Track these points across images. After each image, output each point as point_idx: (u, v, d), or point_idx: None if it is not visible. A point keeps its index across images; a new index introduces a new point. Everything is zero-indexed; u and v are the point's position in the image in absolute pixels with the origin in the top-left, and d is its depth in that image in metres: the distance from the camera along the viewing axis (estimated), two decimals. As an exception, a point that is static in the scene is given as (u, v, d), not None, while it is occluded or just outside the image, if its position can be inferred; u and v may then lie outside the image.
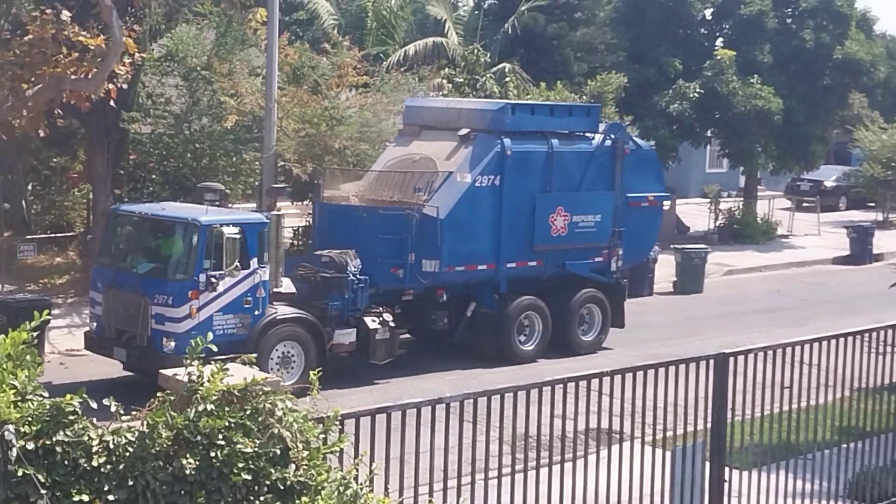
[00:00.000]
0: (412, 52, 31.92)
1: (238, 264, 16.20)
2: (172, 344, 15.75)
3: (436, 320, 19.13)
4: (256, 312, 16.47)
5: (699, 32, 38.06)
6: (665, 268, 27.44)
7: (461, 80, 29.65)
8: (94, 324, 17.13)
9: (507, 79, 30.74)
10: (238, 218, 16.99)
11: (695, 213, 38.46)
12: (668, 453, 9.58)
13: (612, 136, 20.76)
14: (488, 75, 30.48)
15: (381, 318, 17.87)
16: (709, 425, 10.00)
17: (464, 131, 19.41)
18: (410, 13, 36.21)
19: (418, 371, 18.30)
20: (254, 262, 16.47)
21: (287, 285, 17.60)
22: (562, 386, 8.87)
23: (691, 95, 34.86)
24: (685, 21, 37.11)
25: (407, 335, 19.05)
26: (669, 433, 10.06)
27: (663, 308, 25.45)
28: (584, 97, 31.23)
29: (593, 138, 20.71)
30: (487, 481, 8.41)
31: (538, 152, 19.71)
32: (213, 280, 15.99)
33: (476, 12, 36.34)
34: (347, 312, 17.76)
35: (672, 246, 28.67)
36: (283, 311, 17.00)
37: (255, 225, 16.76)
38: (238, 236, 16.20)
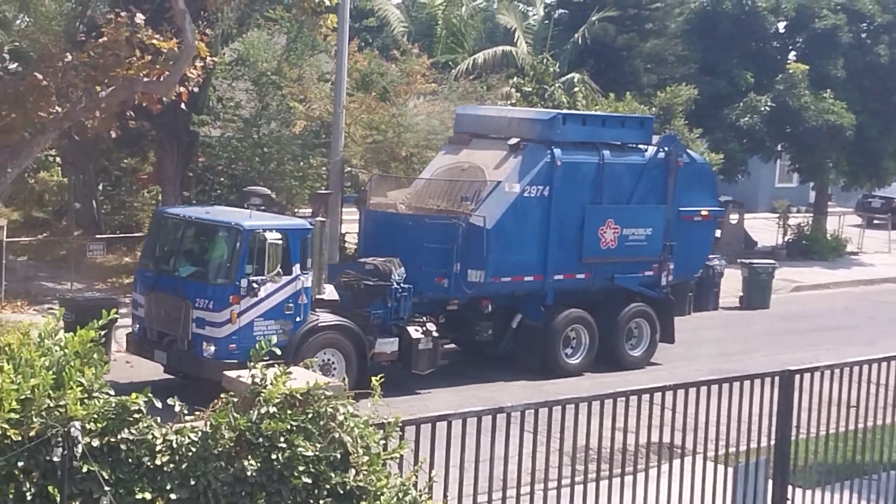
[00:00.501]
0: (481, 61, 31.93)
1: (280, 270, 16.00)
2: (212, 348, 15.69)
3: (480, 331, 18.88)
4: (298, 319, 16.28)
5: (772, 46, 37.59)
6: (731, 282, 27.12)
7: (529, 89, 29.58)
8: (136, 325, 17.00)
9: (576, 89, 30.62)
10: (281, 223, 16.76)
11: (763, 228, 37.98)
12: (731, 470, 9.45)
13: (666, 149, 20.44)
14: (557, 85, 30.39)
15: (424, 328, 17.66)
16: (772, 442, 9.85)
17: (513, 140, 19.20)
18: (480, 22, 36.25)
19: (461, 382, 18.07)
20: (296, 269, 16.28)
21: (330, 292, 17.38)
22: (624, 399, 8.79)
23: (762, 109, 34.44)
24: (758, 34, 36.68)
25: (452, 345, 18.79)
26: (732, 449, 9.93)
27: (728, 323, 25.14)
28: (654, 109, 31.01)
29: (646, 150, 20.29)
30: (547, 492, 8.35)
31: (589, 163, 19.43)
32: (255, 285, 15.80)
33: (546, 22, 36.27)
34: (390, 321, 17.56)
35: (739, 260, 28.33)
36: (324, 318, 16.79)
37: (298, 231, 16.56)
38: (280, 242, 15.99)
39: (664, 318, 20.52)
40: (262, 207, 18.39)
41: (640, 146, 20.37)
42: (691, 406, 9.16)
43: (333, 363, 16.71)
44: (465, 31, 34.89)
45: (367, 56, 28.17)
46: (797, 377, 9.74)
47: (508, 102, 27.88)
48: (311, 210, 19.86)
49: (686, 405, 9.11)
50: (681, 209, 20.52)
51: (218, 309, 15.80)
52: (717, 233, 33.62)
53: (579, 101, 29.84)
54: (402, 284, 17.58)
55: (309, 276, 16.51)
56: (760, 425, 9.73)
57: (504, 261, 18.50)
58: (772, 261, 29.15)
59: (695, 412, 9.22)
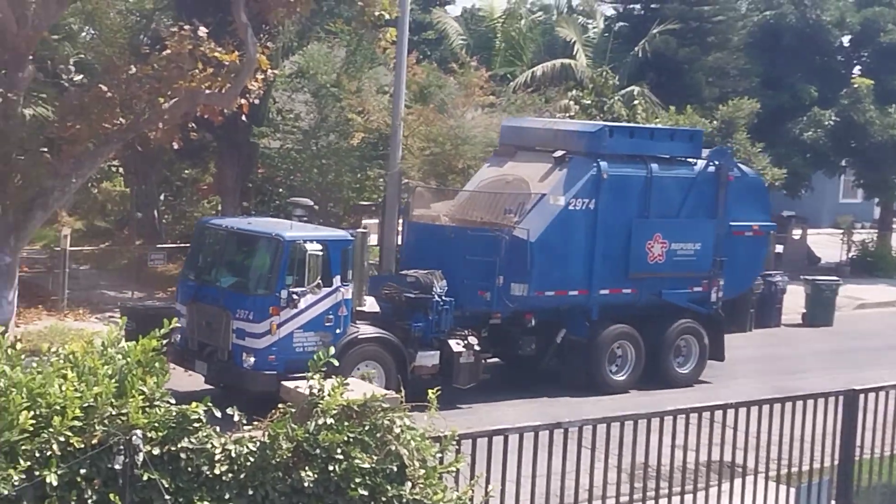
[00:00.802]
0: (540, 74, 31.88)
1: (320, 282, 15.83)
2: (252, 360, 15.55)
3: (523, 346, 18.50)
4: (338, 331, 16.10)
5: (836, 59, 37.12)
6: (794, 298, 26.70)
7: (588, 102, 29.47)
8: (178, 336, 16.69)
9: (636, 102, 30.44)
10: (322, 235, 16.58)
11: (826, 244, 37.40)
12: (793, 490, 9.30)
13: (716, 162, 20.00)
14: (616, 98, 30.24)
15: (465, 342, 17.40)
16: (835, 462, 9.68)
17: (559, 153, 18.91)
18: (539, 35, 36.21)
19: (503, 397, 17.74)
20: (336, 280, 16.12)
21: (371, 304, 17.24)
22: (684, 416, 8.68)
23: (826, 123, 33.99)
24: (822, 48, 36.24)
25: (495, 359, 18.61)
26: (794, 469, 9.76)
27: (790, 340, 24.77)
28: (715, 122, 30.74)
29: (695, 164, 19.82)
30: (604, 509, 8.27)
31: (636, 176, 19.02)
32: (295, 297, 15.65)
33: (606, 35, 36.14)
34: (431, 334, 17.31)
35: (802, 277, 27.91)
36: (364, 330, 16.63)
37: (339, 242, 16.41)
38: (321, 253, 15.81)
39: (714, 335, 20.08)
40: (305, 218, 18.25)
41: (690, 160, 19.99)
42: (753, 424, 9.02)
43: (373, 376, 16.46)
44: (524, 44, 34.86)
45: (426, 68, 28.25)
46: (861, 397, 9.56)
47: (567, 115, 27.77)
48: (378, 220, 19.82)
49: (748, 423, 8.98)
50: (732, 224, 20.09)
51: (258, 320, 15.73)
52: (780, 248, 33.30)
53: (639, 115, 29.64)
54: (443, 297, 17.37)
55: (349, 288, 16.39)
56: (823, 445, 9.56)
57: (548, 274, 18.17)
58: (835, 278, 28.67)
59: (757, 431, 9.07)
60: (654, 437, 8.60)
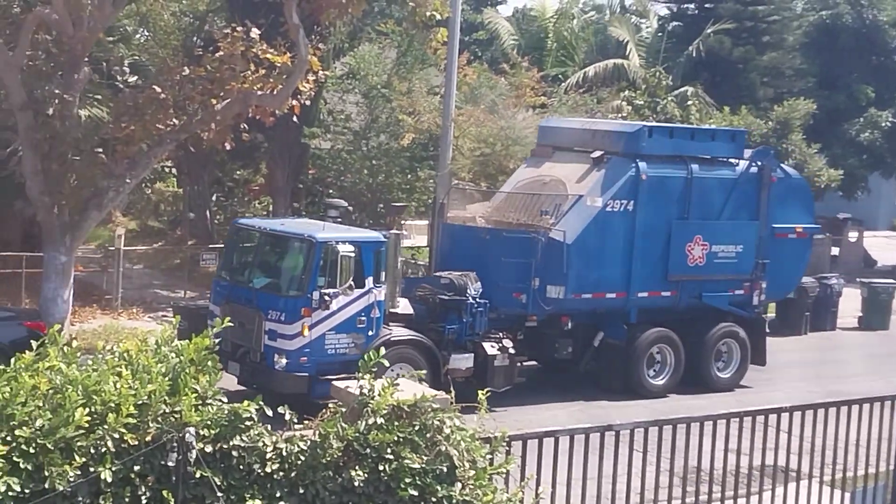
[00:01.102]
0: (592, 74, 31.76)
1: (352, 283, 15.71)
2: (284, 361, 15.47)
3: (560, 349, 18.22)
4: (370, 333, 15.94)
5: (893, 60, 36.59)
6: (850, 302, 26.36)
7: (641, 102, 29.27)
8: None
9: (690, 102, 30.21)
10: (355, 236, 16.44)
11: (883, 247, 36.88)
12: (847, 495, 9.17)
13: (759, 163, 19.64)
14: (669, 98, 30.04)
15: (500, 344, 17.22)
16: (891, 467, 9.53)
17: (597, 154, 18.62)
18: (592, 35, 36.09)
19: (538, 401, 17.48)
20: (369, 282, 15.98)
21: (404, 306, 17.04)
22: (737, 420, 8.59)
23: (883, 124, 33.54)
24: (879, 48, 35.75)
25: (533, 362, 18.21)
26: (849, 474, 9.62)
27: (844, 344, 24.44)
28: (770, 123, 30.42)
29: (737, 164, 19.48)
30: (655, 513, 8.21)
31: (676, 177, 18.73)
32: (327, 298, 15.54)
33: (659, 34, 35.93)
34: (465, 337, 17.14)
35: (858, 279, 27.55)
36: (397, 332, 16.45)
37: (371, 244, 16.26)
38: (353, 255, 15.70)
39: (756, 339, 19.70)
40: (339, 220, 18.07)
41: (732, 160, 19.65)
42: (807, 428, 8.90)
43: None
44: (577, 44, 34.74)
45: (477, 69, 28.26)
46: (919, 401, 9.40)
47: (619, 116, 27.63)
48: (428, 221, 19.66)
49: (802, 427, 8.86)
50: (774, 226, 19.76)
51: (290, 321, 15.63)
52: (836, 251, 32.88)
53: (692, 115, 29.41)
54: (477, 299, 17.19)
55: (382, 290, 16.22)
56: (879, 450, 9.41)
57: (585, 277, 17.91)
58: (892, 281, 28.25)
59: (811, 435, 8.96)
60: (706, 441, 8.52)
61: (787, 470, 9.34)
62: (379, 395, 6.49)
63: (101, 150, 17.25)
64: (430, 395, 6.64)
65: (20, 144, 17.28)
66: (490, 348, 17.18)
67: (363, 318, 15.96)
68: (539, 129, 21.17)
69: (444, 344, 16.98)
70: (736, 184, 19.43)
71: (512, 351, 17.35)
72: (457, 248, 18.75)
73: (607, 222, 18.15)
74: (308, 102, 18.52)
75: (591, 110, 27.67)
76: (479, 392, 6.85)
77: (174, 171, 29.55)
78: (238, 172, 29.43)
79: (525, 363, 17.97)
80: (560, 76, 32.69)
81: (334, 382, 6.94)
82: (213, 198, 29.39)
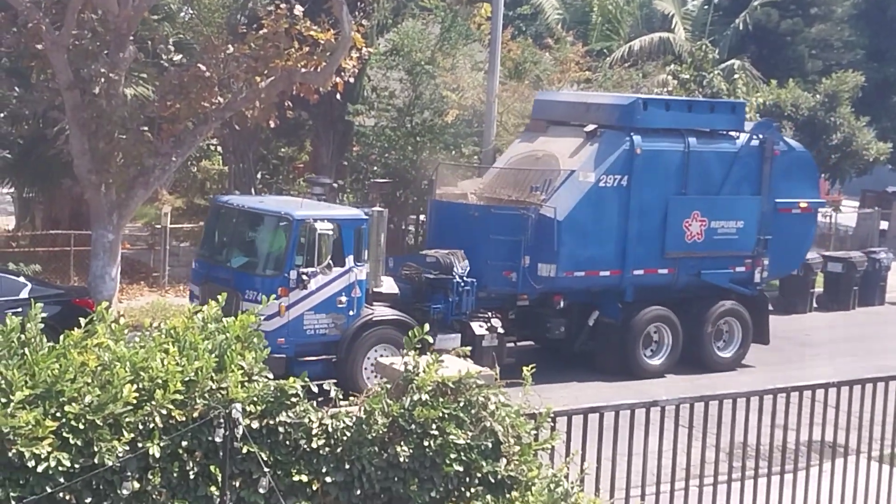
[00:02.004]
0: (637, 48, 31.45)
1: (331, 262, 15.32)
2: None
3: (552, 328, 17.77)
4: (351, 313, 15.58)
5: (944, 29, 36.00)
6: (899, 276, 26.05)
7: (687, 76, 28.96)
8: None
9: (736, 76, 29.86)
10: (334, 213, 16.00)
11: (933, 221, 36.32)
12: (897, 471, 9.08)
13: (760, 136, 19.00)
14: (716, 72, 29.69)
15: (489, 324, 16.81)
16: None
17: (590, 127, 18.17)
18: (637, 8, 35.70)
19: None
20: (350, 260, 15.59)
21: (389, 285, 16.62)
22: (784, 395, 8.52)
23: (933, 96, 33.00)
24: (929, 18, 35.17)
25: (529, 343, 17.97)
26: (899, 450, 9.53)
27: (892, 318, 24.14)
28: (818, 96, 30.01)
29: (738, 137, 18.92)
30: (702, 488, 8.17)
31: (672, 151, 18.22)
32: (305, 277, 15.15)
33: (706, 7, 35.48)
34: (452, 316, 16.72)
35: (907, 254, 27.22)
36: (380, 312, 16.03)
37: (351, 221, 15.84)
38: (332, 233, 15.33)
39: (758, 318, 19.18)
40: (324, 197, 17.63)
41: (732, 133, 19.05)
42: (855, 403, 8.82)
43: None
44: (622, 18, 34.39)
45: (521, 44, 28.07)
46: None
47: (665, 90, 27.36)
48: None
49: (850, 402, 8.78)
50: (777, 201, 19.17)
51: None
52: (885, 225, 32.45)
53: (739, 89, 29.08)
54: (464, 278, 16.80)
55: (364, 269, 15.84)
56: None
57: (577, 255, 17.51)
58: (942, 254, 27.86)
59: (859, 410, 8.87)
60: (753, 416, 8.46)
61: (834, 445, 9.26)
62: (424, 371, 6.52)
63: (146, 128, 17.38)
64: (474, 371, 6.66)
65: (67, 123, 17.44)
66: (478, 328, 16.74)
67: (343, 298, 15.60)
68: (534, 102, 20.61)
69: (430, 324, 16.45)
70: (736, 157, 18.89)
71: (501, 331, 16.97)
72: (446, 225, 18.33)
73: (600, 198, 17.69)
74: (352, 79, 18.50)
75: (636, 85, 27.43)
76: (524, 368, 6.86)
77: (219, 149, 29.69)
78: (283, 150, 29.51)
79: (519, 344, 17.57)
80: (605, 50, 32.40)
81: (379, 359, 6.98)
82: (258, 175, 29.50)
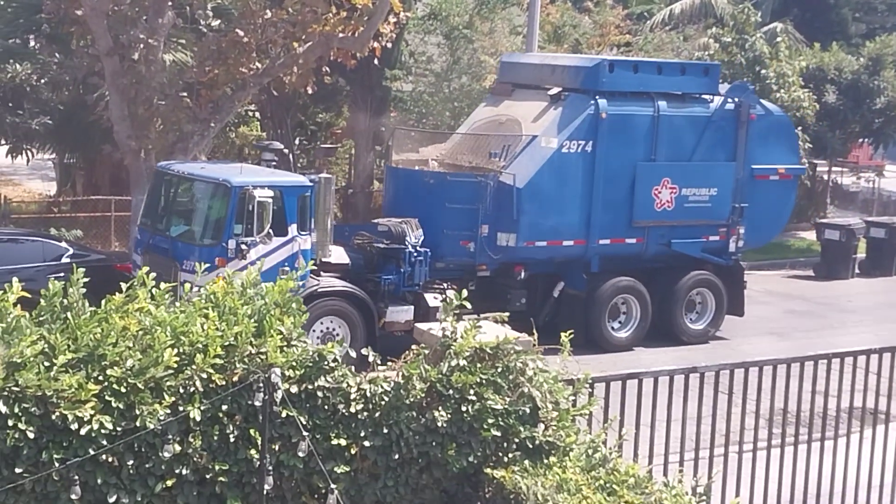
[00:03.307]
0: (678, 11, 31.11)
1: (271, 231, 14.75)
2: None
3: (512, 300, 16.95)
4: None
5: None
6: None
7: (729, 39, 28.59)
8: None
9: (779, 39, 29.42)
10: (275, 180, 15.36)
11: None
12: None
13: (735, 99, 18.33)
14: (758, 35, 29.30)
15: (444, 296, 15.83)
16: None
17: (554, 91, 17.60)
18: (677, -30, 35.28)
19: None
20: (293, 229, 15.02)
21: (339, 255, 16.04)
22: (825, 361, 8.46)
23: (980, 59, 32.36)
24: (976, -23, 34.48)
25: (495, 314, 17.55)
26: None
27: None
28: (862, 59, 29.57)
29: (711, 101, 18.31)
30: (741, 454, 8.14)
31: (641, 115, 17.58)
32: (244, 247, 14.60)
33: (747, -31, 35.00)
34: (404, 287, 16.15)
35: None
36: (326, 283, 15.46)
37: (294, 188, 15.23)
38: (271, 200, 14.70)
39: (732, 288, 18.59)
40: (275, 164, 17.09)
41: (705, 96, 18.42)
42: (897, 371, 8.73)
43: (337, 333, 15.23)
44: (662, -20, 34.01)
45: (560, 8, 27.86)
46: None
47: (706, 54, 27.05)
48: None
49: (892, 369, 8.70)
50: (754, 167, 18.59)
51: (204, 272, 15.20)
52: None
53: (781, 52, 28.68)
54: (417, 248, 16.21)
55: (309, 238, 15.26)
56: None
57: (539, 224, 16.96)
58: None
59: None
60: (794, 383, 8.41)
61: (876, 412, 9.19)
62: (461, 337, 6.52)
63: (185, 94, 17.44)
64: (512, 337, 6.66)
65: (107, 89, 17.54)
66: (432, 300, 16.14)
67: (287, 269, 14.80)
68: (500, 64, 20.02)
69: (381, 295, 16.01)
70: (709, 122, 18.28)
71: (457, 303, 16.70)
72: (402, 193, 17.87)
73: (563, 165, 17.18)
74: (389, 45, 18.46)
75: (677, 48, 27.16)
76: (563, 334, 6.85)
77: (257, 115, 29.73)
78: (320, 116, 29.51)
79: (483, 316, 17.36)
80: (645, 14, 32.09)
81: (417, 325, 6.98)
82: (296, 141, 29.56)
